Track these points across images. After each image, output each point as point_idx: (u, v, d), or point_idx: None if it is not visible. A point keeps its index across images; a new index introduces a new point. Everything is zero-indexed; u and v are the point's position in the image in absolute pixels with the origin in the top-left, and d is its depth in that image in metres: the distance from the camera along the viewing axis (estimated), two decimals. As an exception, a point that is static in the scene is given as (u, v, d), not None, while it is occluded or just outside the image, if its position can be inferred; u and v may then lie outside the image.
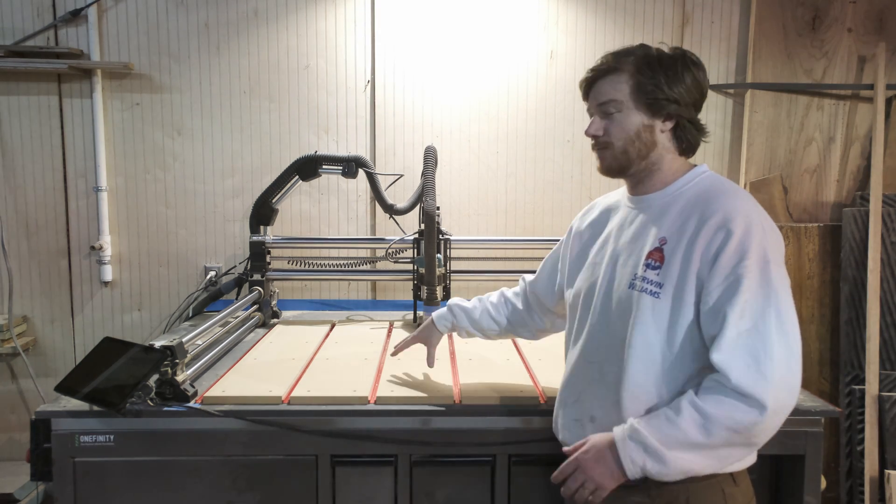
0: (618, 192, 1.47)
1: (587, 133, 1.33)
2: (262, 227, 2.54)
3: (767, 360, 1.13)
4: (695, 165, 1.34)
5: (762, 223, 1.20)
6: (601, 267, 1.36)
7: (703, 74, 1.30)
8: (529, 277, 1.72)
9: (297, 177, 2.48)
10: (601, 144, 1.32)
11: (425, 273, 2.35)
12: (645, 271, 1.25)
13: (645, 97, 1.26)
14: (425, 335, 1.78)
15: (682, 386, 1.24)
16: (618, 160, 1.31)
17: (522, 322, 1.72)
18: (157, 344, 1.61)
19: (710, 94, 2.78)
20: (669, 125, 1.29)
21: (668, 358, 1.23)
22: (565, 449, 1.31)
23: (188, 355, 1.72)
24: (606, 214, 1.45)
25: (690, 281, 1.20)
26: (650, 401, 1.25)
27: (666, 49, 1.30)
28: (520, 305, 1.71)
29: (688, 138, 1.30)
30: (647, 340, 1.24)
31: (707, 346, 1.20)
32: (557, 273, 1.60)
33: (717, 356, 1.16)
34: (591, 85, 1.32)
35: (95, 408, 1.56)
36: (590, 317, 1.36)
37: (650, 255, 1.25)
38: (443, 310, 1.76)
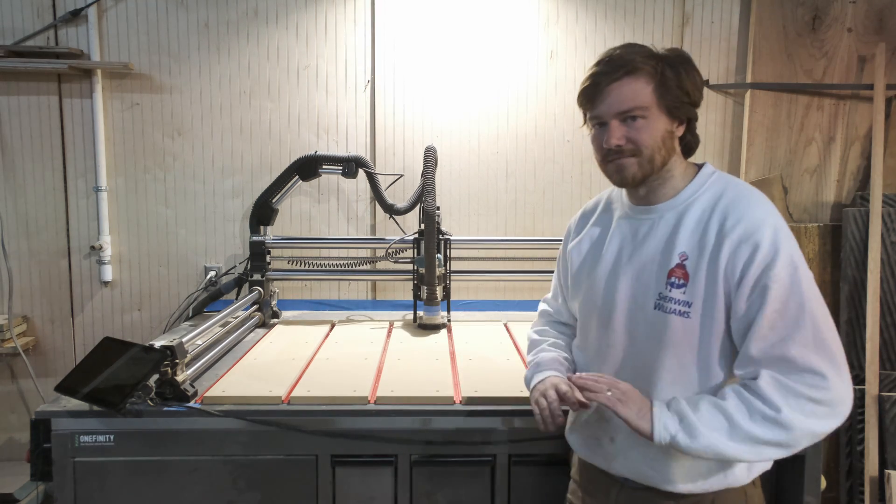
0: (611, 196, 1.40)
1: (608, 144, 1.20)
2: (262, 227, 2.54)
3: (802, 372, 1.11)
4: (696, 164, 1.29)
5: (784, 227, 1.15)
6: (617, 282, 1.28)
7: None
8: (547, 308, 1.58)
9: (297, 177, 2.49)
10: (625, 153, 1.20)
11: (425, 273, 2.35)
12: (670, 291, 1.19)
13: (667, 101, 1.18)
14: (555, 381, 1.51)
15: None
16: (643, 170, 1.21)
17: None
18: (157, 344, 1.61)
19: (710, 94, 2.82)
20: (682, 130, 1.24)
21: (703, 375, 1.19)
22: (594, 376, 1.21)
23: (188, 355, 1.72)
24: (606, 223, 1.37)
25: (719, 297, 1.15)
26: None
27: (661, 50, 1.24)
28: (564, 320, 1.55)
29: (690, 141, 1.27)
30: (682, 362, 1.19)
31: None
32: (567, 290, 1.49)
33: (751, 370, 1.14)
34: (600, 89, 1.19)
35: (95, 408, 1.56)
36: (610, 337, 1.29)
37: (672, 272, 1.19)
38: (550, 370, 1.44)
